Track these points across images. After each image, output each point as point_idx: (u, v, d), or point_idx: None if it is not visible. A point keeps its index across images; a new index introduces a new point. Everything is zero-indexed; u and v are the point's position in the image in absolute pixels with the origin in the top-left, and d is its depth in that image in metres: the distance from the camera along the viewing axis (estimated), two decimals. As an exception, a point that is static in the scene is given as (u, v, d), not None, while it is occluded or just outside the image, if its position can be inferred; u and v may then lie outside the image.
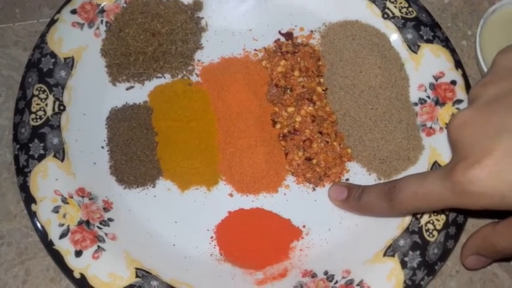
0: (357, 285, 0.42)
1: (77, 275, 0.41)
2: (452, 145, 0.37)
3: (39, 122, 0.46)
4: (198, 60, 0.52)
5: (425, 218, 0.44)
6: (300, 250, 0.45)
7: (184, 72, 0.51)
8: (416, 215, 0.44)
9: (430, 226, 0.43)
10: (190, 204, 0.46)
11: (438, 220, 0.44)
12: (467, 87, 0.48)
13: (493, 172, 0.33)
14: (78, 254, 0.41)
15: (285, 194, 0.47)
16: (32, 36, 0.53)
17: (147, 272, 0.42)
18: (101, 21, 0.51)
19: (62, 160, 0.45)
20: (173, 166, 0.47)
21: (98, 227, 0.43)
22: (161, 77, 0.51)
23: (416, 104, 0.49)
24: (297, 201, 0.47)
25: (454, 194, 0.35)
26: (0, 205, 0.46)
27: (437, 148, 0.47)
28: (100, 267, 0.41)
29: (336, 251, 0.44)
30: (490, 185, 0.33)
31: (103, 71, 0.50)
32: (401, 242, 0.43)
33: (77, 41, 0.50)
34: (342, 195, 0.45)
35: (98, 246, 0.42)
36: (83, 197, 0.44)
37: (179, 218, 0.45)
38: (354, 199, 0.44)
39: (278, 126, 0.49)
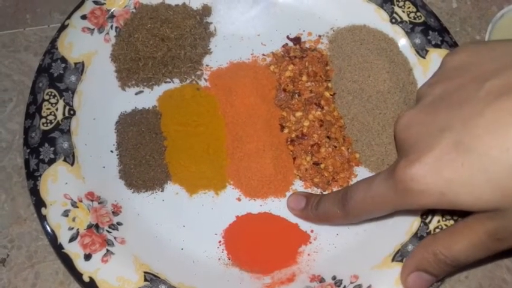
0: (365, 290, 0.42)
1: (86, 279, 0.41)
2: (398, 145, 0.37)
3: (50, 126, 0.46)
4: (207, 65, 0.52)
5: (433, 224, 0.44)
6: (308, 255, 0.45)
7: (193, 77, 0.51)
8: (425, 220, 0.44)
9: (439, 231, 0.43)
10: (198, 209, 0.46)
11: (447, 225, 0.43)
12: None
13: (432, 169, 0.32)
14: (87, 257, 0.42)
15: (293, 199, 0.47)
16: (42, 42, 0.53)
17: (155, 276, 0.42)
18: (111, 26, 0.51)
19: (72, 164, 0.45)
20: (182, 170, 0.47)
21: (107, 230, 0.43)
22: (170, 82, 0.51)
23: (424, 109, 0.49)
24: (305, 205, 0.47)
25: (396, 194, 0.35)
26: (10, 209, 0.47)
27: (445, 153, 0.47)
28: (109, 271, 0.41)
29: (344, 256, 0.44)
30: (429, 183, 0.33)
31: (113, 76, 0.50)
32: (410, 247, 0.43)
33: (87, 46, 0.50)
34: (301, 204, 0.44)
35: (107, 250, 0.42)
36: (92, 201, 0.44)
37: (187, 222, 0.46)
38: (312, 208, 0.43)
39: (286, 130, 0.49)
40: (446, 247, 0.37)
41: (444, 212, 0.43)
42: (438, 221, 0.44)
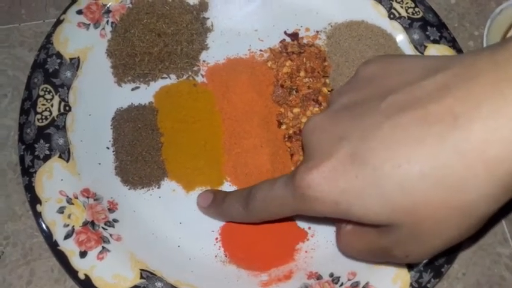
0: (363, 287, 0.41)
1: (81, 276, 0.40)
2: (303, 148, 0.37)
3: (45, 122, 0.46)
4: (203, 61, 0.52)
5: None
6: (306, 252, 0.44)
7: (190, 73, 0.51)
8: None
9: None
10: (195, 205, 0.46)
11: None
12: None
13: (328, 178, 0.32)
14: (83, 254, 0.41)
15: (290, 196, 0.47)
16: (38, 37, 0.53)
17: (152, 273, 0.42)
18: (107, 21, 0.51)
19: (68, 161, 0.45)
20: (179, 167, 0.47)
21: (103, 227, 0.43)
22: (166, 78, 0.51)
23: (422, 105, 0.49)
24: (303, 202, 0.46)
25: (294, 198, 0.35)
26: (5, 206, 0.46)
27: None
28: (105, 268, 0.41)
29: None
30: (324, 191, 0.32)
31: (109, 72, 0.50)
32: (407, 244, 0.43)
33: (83, 42, 0.50)
34: (208, 200, 0.44)
35: (103, 247, 0.42)
36: (88, 197, 0.44)
37: (184, 219, 0.45)
38: (217, 204, 0.43)
39: (284, 127, 0.49)
40: (343, 245, 0.39)
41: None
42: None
